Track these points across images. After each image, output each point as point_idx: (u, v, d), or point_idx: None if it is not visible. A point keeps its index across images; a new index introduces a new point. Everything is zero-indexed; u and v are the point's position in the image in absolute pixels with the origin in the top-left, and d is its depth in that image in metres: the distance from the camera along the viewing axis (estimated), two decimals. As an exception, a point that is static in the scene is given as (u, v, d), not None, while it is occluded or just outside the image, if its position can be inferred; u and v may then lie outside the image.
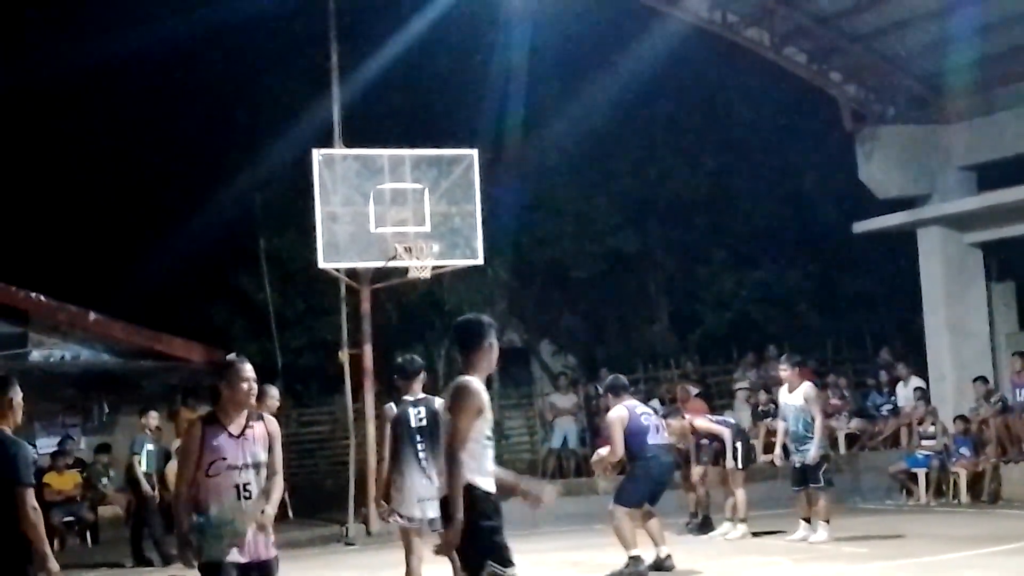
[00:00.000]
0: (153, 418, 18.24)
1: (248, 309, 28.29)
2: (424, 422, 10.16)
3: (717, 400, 25.43)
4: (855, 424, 23.02)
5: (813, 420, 15.06)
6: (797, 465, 15.23)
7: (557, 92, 26.90)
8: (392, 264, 19.06)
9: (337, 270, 19.60)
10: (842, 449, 23.02)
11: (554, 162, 27.99)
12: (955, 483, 19.50)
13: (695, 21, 21.99)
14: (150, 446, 17.93)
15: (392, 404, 10.61)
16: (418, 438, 10.21)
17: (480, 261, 19.92)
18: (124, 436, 20.46)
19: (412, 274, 19.10)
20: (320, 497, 22.94)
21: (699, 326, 29.45)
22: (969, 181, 22.60)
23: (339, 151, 19.50)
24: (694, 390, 24.67)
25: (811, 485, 15.07)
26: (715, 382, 26.30)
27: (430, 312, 27.39)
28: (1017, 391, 20.19)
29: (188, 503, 7.47)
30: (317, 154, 18.97)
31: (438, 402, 10.11)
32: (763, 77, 25.06)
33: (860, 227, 23.44)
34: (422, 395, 10.49)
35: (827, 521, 15.05)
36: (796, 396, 15.26)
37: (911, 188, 22.76)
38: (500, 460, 18.78)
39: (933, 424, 20.34)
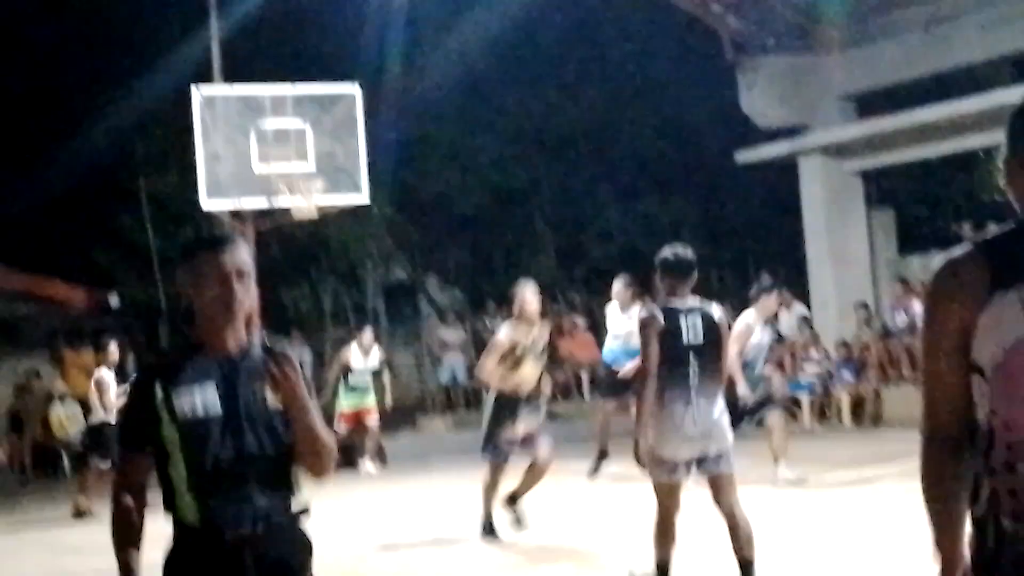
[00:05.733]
0: None
1: (131, 251, 27.95)
2: (699, 337, 8.05)
3: (605, 332, 25.62)
4: (739, 351, 23.33)
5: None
6: None
7: (439, 27, 26.75)
8: (276, 204, 18.90)
9: (221, 211, 19.40)
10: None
11: (437, 97, 27.88)
12: (838, 407, 19.86)
13: (576, -47, 21.95)
14: None
15: (656, 310, 8.18)
16: (691, 357, 7.99)
17: (365, 199, 19.79)
18: (5, 382, 20.17)
19: (296, 213, 18.95)
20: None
21: (585, 258, 29.61)
22: (848, 110, 22.87)
23: (219, 89, 19.23)
24: (581, 322, 24.85)
25: None
26: (602, 314, 26.46)
27: (316, 250, 27.26)
28: (897, 316, 20.58)
29: None
30: (197, 92, 18.68)
31: (718, 312, 8.29)
32: (645, 9, 25.10)
33: (742, 157, 23.65)
34: (695, 301, 8.24)
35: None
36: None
37: (792, 118, 22.98)
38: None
39: (816, 350, 20.67)
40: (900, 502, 11.30)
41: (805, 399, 20.21)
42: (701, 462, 7.93)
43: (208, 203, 18.61)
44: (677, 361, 7.90)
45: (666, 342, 7.90)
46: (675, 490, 7.95)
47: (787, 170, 23.33)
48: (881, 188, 23.55)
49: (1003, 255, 2.90)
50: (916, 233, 25.64)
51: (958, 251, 2.98)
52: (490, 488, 11.34)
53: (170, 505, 4.00)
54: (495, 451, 11.19)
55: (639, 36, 27.67)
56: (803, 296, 23.01)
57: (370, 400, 18.21)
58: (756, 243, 28.21)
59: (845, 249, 22.61)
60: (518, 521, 11.30)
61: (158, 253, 27.25)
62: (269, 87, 19.15)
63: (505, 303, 28.62)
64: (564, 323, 25.35)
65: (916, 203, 26.50)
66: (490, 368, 11.07)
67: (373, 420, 18.26)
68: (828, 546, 9.90)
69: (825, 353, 20.59)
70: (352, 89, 19.26)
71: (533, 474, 11.24)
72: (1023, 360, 2.83)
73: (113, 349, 15.89)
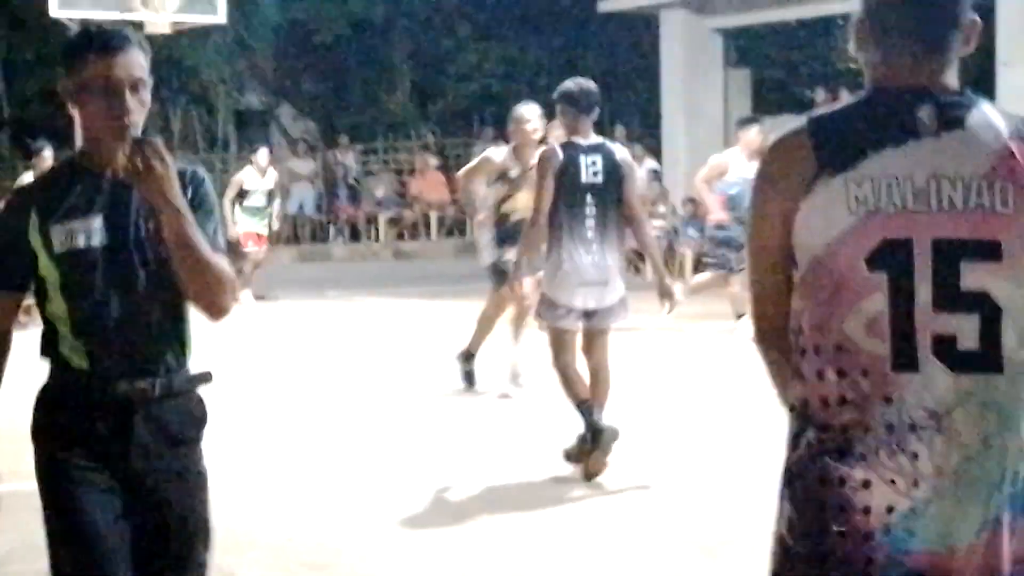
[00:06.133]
0: None
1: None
2: (599, 177, 7.62)
3: (456, 173, 25.61)
4: (589, 202, 23.49)
5: None
6: None
7: None
8: (129, 17, 18.32)
9: (70, 19, 18.78)
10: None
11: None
12: (681, 263, 20.15)
13: None
14: None
15: (556, 147, 7.77)
16: (589, 198, 7.59)
17: (222, 19, 19.31)
18: None
19: (149, 29, 18.42)
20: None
21: (441, 97, 29.42)
22: (715, -34, 22.86)
23: None
24: (433, 161, 24.79)
25: None
26: (454, 155, 26.42)
27: (167, 69, 26.64)
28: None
29: None
30: None
31: (621, 151, 7.92)
32: None
33: (604, 6, 23.54)
34: (597, 139, 7.84)
35: None
36: None
37: (659, -31, 22.90)
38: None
39: (663, 205, 20.89)
40: (731, 354, 11.63)
41: (649, 252, 20.44)
42: (593, 312, 7.63)
43: (57, 10, 17.98)
44: (574, 201, 7.51)
45: (563, 180, 7.49)
46: (569, 337, 7.65)
47: (648, 22, 23.32)
48: (739, 48, 23.67)
49: (832, 137, 2.59)
50: (770, 95, 25.89)
51: (788, 130, 2.67)
52: (494, 316, 10.24)
53: (51, 346, 3.44)
54: (501, 275, 9.70)
55: None
56: (655, 151, 23.18)
57: (263, 224, 17.55)
58: (614, 94, 28.22)
59: (699, 107, 22.74)
60: (469, 378, 10.32)
61: (3, 59, 26.44)
62: None
63: (360, 136, 28.41)
64: (416, 162, 25.27)
65: (773, 65, 26.72)
66: (476, 190, 10.03)
67: (263, 246, 17.71)
68: (662, 391, 10.12)
69: (672, 209, 20.82)
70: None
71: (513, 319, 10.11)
72: (843, 256, 2.54)
73: (47, 155, 15.14)
